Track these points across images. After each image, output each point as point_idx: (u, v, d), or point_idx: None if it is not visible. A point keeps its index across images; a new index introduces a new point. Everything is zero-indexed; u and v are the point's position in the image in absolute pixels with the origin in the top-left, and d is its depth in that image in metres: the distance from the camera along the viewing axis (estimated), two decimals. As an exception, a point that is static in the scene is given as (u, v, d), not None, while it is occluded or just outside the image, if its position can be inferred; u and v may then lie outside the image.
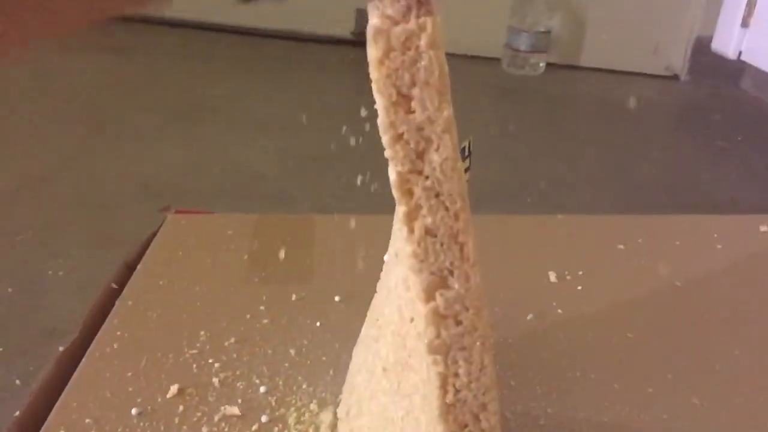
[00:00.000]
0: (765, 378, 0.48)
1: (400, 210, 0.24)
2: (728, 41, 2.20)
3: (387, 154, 0.23)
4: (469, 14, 2.28)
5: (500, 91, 2.07)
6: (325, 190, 1.22)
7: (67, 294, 0.82)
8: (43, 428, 0.40)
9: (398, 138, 0.23)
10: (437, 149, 0.23)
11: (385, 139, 0.23)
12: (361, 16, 2.24)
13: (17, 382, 0.64)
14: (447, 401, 0.26)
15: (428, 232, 0.24)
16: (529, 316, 0.54)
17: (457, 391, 0.26)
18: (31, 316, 0.77)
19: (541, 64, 2.27)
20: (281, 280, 0.57)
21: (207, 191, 1.18)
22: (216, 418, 0.42)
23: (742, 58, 2.17)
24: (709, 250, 0.64)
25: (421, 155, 0.23)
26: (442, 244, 0.24)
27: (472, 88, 2.04)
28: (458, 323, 0.25)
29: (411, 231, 0.24)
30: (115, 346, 0.47)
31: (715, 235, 0.66)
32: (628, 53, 2.35)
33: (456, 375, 0.26)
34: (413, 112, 0.22)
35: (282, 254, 0.59)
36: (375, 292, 0.46)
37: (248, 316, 0.52)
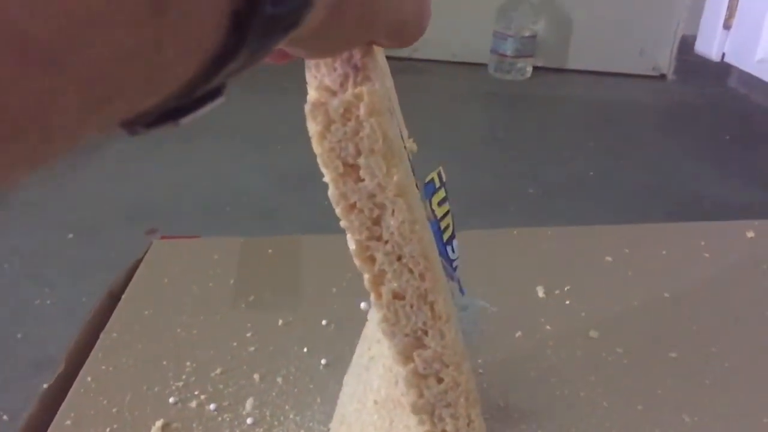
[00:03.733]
0: (756, 392, 0.48)
1: (365, 278, 0.24)
2: (711, 43, 2.21)
3: (342, 224, 0.23)
4: (454, 20, 2.28)
5: (487, 97, 2.08)
6: (315, 208, 1.22)
7: (55, 323, 0.81)
8: (26, 470, 0.40)
9: (351, 208, 0.23)
10: (392, 214, 0.22)
11: (338, 211, 0.23)
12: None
13: (5, 417, 0.63)
14: None
15: (396, 296, 0.24)
16: (518, 333, 0.53)
17: None
18: (19, 347, 0.77)
19: (527, 69, 2.27)
20: (268, 305, 0.57)
21: (194, 212, 1.18)
22: (202, 454, 0.41)
23: (726, 59, 2.18)
24: (697, 258, 0.64)
25: (377, 221, 0.23)
26: (411, 306, 0.24)
27: (458, 94, 2.04)
28: (439, 381, 0.25)
29: (378, 297, 0.24)
30: (100, 380, 0.47)
31: (703, 243, 0.66)
32: (615, 54, 2.36)
33: None
34: (363, 180, 0.22)
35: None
36: (362, 314, 0.46)
37: (235, 343, 0.51)
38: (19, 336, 0.79)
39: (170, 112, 0.16)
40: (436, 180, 0.34)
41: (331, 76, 0.22)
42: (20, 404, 0.45)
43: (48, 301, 0.86)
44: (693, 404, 0.46)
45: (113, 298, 0.58)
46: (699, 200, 1.39)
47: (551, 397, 0.47)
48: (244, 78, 0.17)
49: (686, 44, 2.33)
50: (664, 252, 0.65)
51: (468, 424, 0.25)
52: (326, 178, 0.22)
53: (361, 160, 0.22)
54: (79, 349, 0.51)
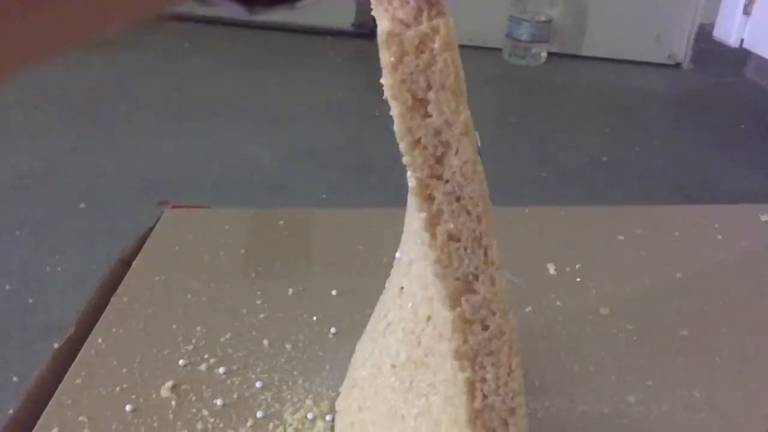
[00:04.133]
0: (764, 372, 0.47)
1: (421, 216, 0.23)
2: (730, 29, 2.19)
3: (405, 160, 0.23)
4: (469, 4, 2.26)
5: (501, 81, 2.06)
6: (324, 183, 1.22)
7: (66, 290, 0.81)
8: (36, 426, 0.40)
9: (416, 143, 0.22)
10: (456, 153, 0.22)
11: (403, 145, 0.22)
12: (361, 8, 2.23)
13: (15, 379, 0.64)
14: (475, 407, 0.25)
15: (451, 237, 0.24)
16: (528, 309, 0.53)
17: (485, 397, 0.25)
18: (29, 313, 0.77)
19: (542, 54, 2.26)
20: (278, 275, 0.57)
21: (206, 186, 1.18)
22: (210, 414, 0.41)
23: (744, 45, 2.16)
24: (710, 240, 0.64)
25: (440, 160, 0.23)
26: (465, 249, 0.24)
27: (473, 79, 2.02)
28: (485, 328, 0.25)
29: (433, 237, 0.24)
30: (110, 342, 0.47)
31: (716, 225, 0.66)
32: (630, 42, 2.34)
33: (484, 380, 0.25)
34: (430, 116, 0.22)
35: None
36: (372, 285, 0.46)
37: (244, 311, 0.52)
38: (30, 302, 0.79)
39: None
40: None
41: (404, 9, 0.22)
42: (29, 367, 0.45)
43: (59, 269, 0.87)
44: (703, 381, 0.46)
45: (124, 265, 0.58)
46: (713, 188, 1.38)
47: (560, 371, 0.47)
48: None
49: (703, 33, 2.30)
50: (676, 233, 0.65)
51: (508, 374, 0.25)
52: (393, 112, 0.22)
53: (431, 95, 0.21)
54: (90, 313, 0.51)
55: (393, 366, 0.35)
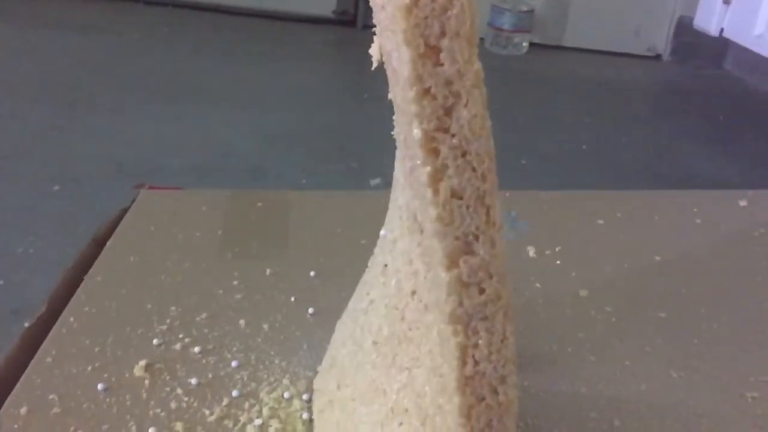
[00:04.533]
0: (743, 351, 0.47)
1: (425, 170, 0.22)
2: (710, 18, 2.20)
3: (412, 109, 0.22)
4: (451, -7, 2.26)
5: (484, 71, 2.06)
6: (304, 169, 1.21)
7: (37, 272, 0.80)
8: (5, 405, 0.39)
9: (425, 93, 0.21)
10: (466, 105, 0.21)
11: (411, 95, 0.21)
12: (343, -5, 2.21)
13: (-16, 360, 0.62)
14: (465, 373, 0.25)
15: (454, 194, 0.23)
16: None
17: (476, 363, 0.25)
18: None
19: (524, 44, 2.26)
20: (256, 256, 0.56)
21: (184, 170, 1.17)
22: (185, 393, 0.41)
23: (724, 34, 2.17)
24: (689, 224, 0.64)
25: (449, 111, 0.22)
26: (468, 207, 0.23)
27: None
28: (481, 291, 0.24)
29: (436, 193, 0.23)
30: (82, 321, 0.46)
31: (695, 210, 0.66)
32: (611, 33, 2.35)
33: (476, 346, 0.24)
34: (442, 64, 0.21)
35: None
36: (350, 267, 0.45)
37: (221, 291, 0.51)
38: (0, 283, 0.78)
39: None
40: None
41: None
42: (1, 347, 0.44)
43: (31, 250, 0.85)
44: (680, 361, 0.46)
45: (98, 245, 0.57)
46: (691, 177, 1.39)
47: (539, 351, 0.47)
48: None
49: (683, 25, 2.32)
50: (656, 217, 0.65)
51: (502, 341, 0.24)
52: (402, 58, 0.21)
53: (445, 42, 0.20)
54: (62, 293, 0.50)
55: (375, 343, 0.34)
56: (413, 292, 0.29)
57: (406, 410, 0.29)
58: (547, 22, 2.33)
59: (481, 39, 2.27)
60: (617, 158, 1.45)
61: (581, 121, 1.67)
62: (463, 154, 0.22)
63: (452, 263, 0.23)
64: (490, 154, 0.22)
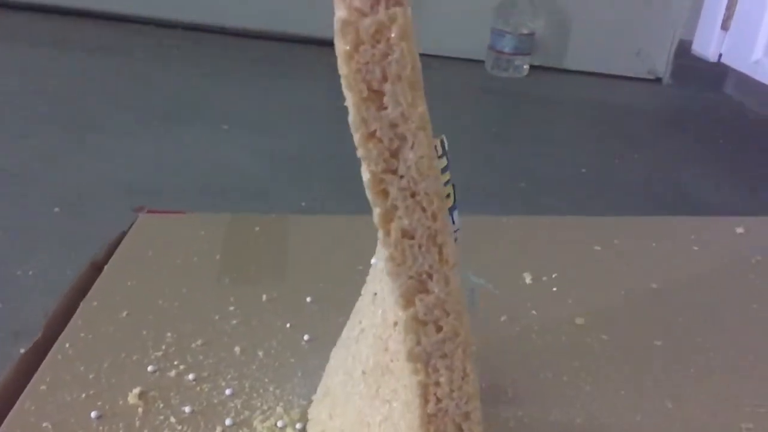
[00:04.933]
0: (739, 381, 0.47)
1: (375, 212, 0.23)
2: (708, 43, 2.22)
3: (359, 153, 0.22)
4: (452, 16, 2.27)
5: (483, 93, 2.07)
6: (305, 192, 1.21)
7: (36, 295, 0.80)
8: (-2, 432, 0.39)
9: (371, 136, 0.22)
10: (412, 147, 0.22)
11: (357, 138, 0.22)
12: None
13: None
14: (428, 411, 0.25)
15: (405, 234, 0.23)
16: (503, 318, 0.53)
17: (438, 401, 0.25)
18: (-2, 317, 0.76)
19: (524, 67, 2.27)
20: (253, 281, 0.56)
21: (185, 192, 1.17)
22: (178, 422, 0.41)
23: (722, 60, 2.19)
24: (686, 251, 0.64)
25: (395, 153, 0.22)
26: (420, 247, 0.23)
27: (455, 90, 2.04)
28: (439, 329, 0.24)
29: (387, 234, 0.23)
30: (78, 347, 0.46)
31: (692, 237, 0.66)
32: (612, 56, 2.36)
33: (437, 384, 0.25)
34: (385, 108, 0.21)
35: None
36: (347, 293, 0.45)
37: (217, 317, 0.51)
38: (-1, 306, 0.78)
39: None
40: (439, 147, 0.33)
41: None
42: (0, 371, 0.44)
43: (30, 272, 0.85)
44: (676, 391, 0.46)
45: (96, 269, 0.57)
46: (690, 201, 1.39)
47: (534, 380, 0.47)
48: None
49: (683, 49, 2.33)
50: (653, 244, 0.65)
51: (462, 378, 0.24)
52: (348, 102, 0.21)
53: (387, 86, 0.21)
54: (59, 317, 0.50)
55: (363, 372, 0.34)
56: (395, 324, 0.30)
57: None
58: (548, 45, 2.34)
59: (482, 62, 2.28)
60: (617, 181, 1.45)
61: (581, 144, 1.67)
62: (412, 195, 0.22)
63: (408, 302, 0.23)
64: (439, 194, 0.23)
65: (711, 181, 1.51)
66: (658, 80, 2.37)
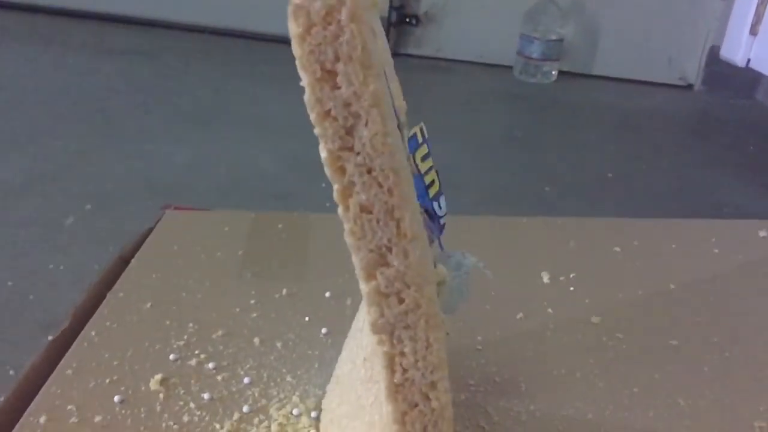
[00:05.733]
0: (753, 381, 0.47)
1: (335, 188, 0.24)
2: (737, 49, 2.19)
3: (316, 131, 0.23)
4: (481, 21, 2.28)
5: (511, 98, 2.07)
6: (328, 192, 1.23)
7: (67, 288, 0.82)
8: (25, 415, 0.40)
9: (326, 115, 0.22)
10: (366, 124, 0.22)
11: (313, 117, 0.22)
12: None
13: (11, 372, 0.64)
14: (395, 381, 0.26)
15: (363, 209, 0.24)
16: (519, 315, 0.53)
17: (404, 371, 0.25)
18: (29, 309, 0.78)
19: (553, 72, 2.26)
20: (274, 276, 0.57)
21: (211, 192, 1.19)
22: (197, 407, 0.42)
23: (751, 65, 2.16)
24: (706, 253, 0.64)
25: (350, 131, 0.23)
26: (378, 221, 0.24)
27: (482, 95, 2.04)
28: (401, 301, 0.25)
29: (346, 209, 0.24)
30: (103, 336, 0.48)
31: (713, 240, 0.66)
32: (642, 62, 2.34)
33: (402, 354, 0.25)
34: (339, 87, 0.22)
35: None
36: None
37: (238, 309, 0.52)
38: (30, 298, 0.80)
39: None
40: (419, 135, 0.34)
41: None
42: (26, 360, 0.46)
43: (61, 267, 0.87)
44: (689, 389, 0.46)
45: (123, 262, 0.59)
46: (718, 207, 1.37)
47: (547, 376, 0.47)
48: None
49: (715, 54, 2.31)
50: (673, 246, 0.65)
51: (426, 348, 0.25)
52: (303, 83, 0.22)
53: (339, 66, 0.22)
54: (86, 307, 0.52)
55: (364, 359, 0.35)
56: None
57: (374, 424, 0.30)
58: (577, 51, 2.33)
59: (510, 67, 2.28)
60: (643, 187, 1.45)
61: (608, 150, 1.66)
62: (369, 171, 0.23)
63: (369, 275, 0.24)
64: (396, 170, 0.23)
65: (741, 188, 1.49)
66: (690, 86, 2.35)
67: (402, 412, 0.26)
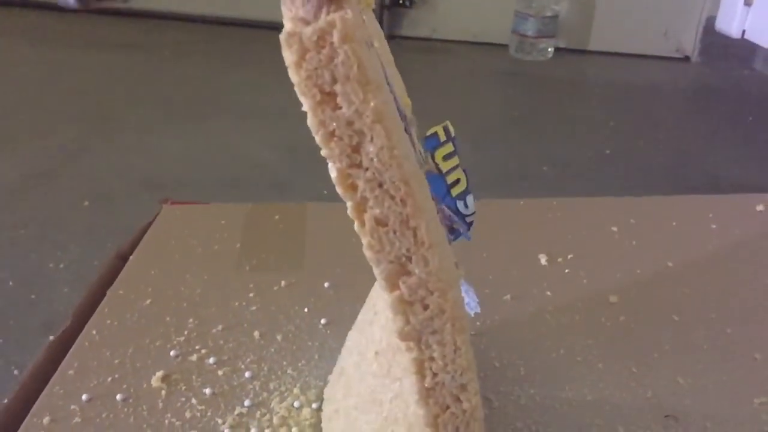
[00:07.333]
0: (752, 357, 0.47)
1: (348, 205, 0.24)
2: (731, 20, 2.18)
3: (323, 153, 0.23)
4: (475, 0, 2.26)
5: (507, 77, 2.06)
6: (326, 180, 1.23)
7: (67, 286, 0.83)
8: (29, 415, 0.41)
9: (330, 136, 0.23)
10: (371, 140, 0.23)
11: (318, 139, 0.23)
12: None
13: (15, 372, 0.65)
14: (426, 385, 0.26)
15: (378, 222, 0.24)
16: (518, 299, 0.54)
17: (434, 375, 0.26)
18: (30, 308, 0.78)
19: (549, 49, 2.25)
20: (272, 268, 0.57)
21: (208, 183, 1.19)
22: (199, 403, 0.42)
23: (746, 36, 2.15)
24: (704, 230, 0.64)
25: (356, 149, 0.23)
26: (394, 232, 0.24)
27: (478, 74, 2.03)
28: (425, 307, 0.25)
29: (362, 224, 0.24)
30: (104, 334, 0.48)
31: (710, 215, 0.66)
32: (638, 36, 2.33)
33: (431, 359, 0.26)
34: (340, 107, 0.22)
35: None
36: (364, 278, 0.47)
37: (237, 303, 0.52)
38: (32, 297, 0.81)
39: None
40: (441, 134, 0.34)
41: (305, 7, 0.22)
42: (29, 360, 0.46)
43: (61, 265, 0.88)
44: (689, 368, 0.46)
45: (122, 260, 0.59)
46: (717, 181, 1.37)
47: (547, 359, 0.47)
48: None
49: (712, 26, 2.29)
50: (673, 223, 0.65)
51: (455, 351, 0.25)
52: (305, 107, 0.22)
53: (338, 87, 0.22)
54: (86, 306, 0.52)
55: (376, 353, 0.35)
56: None
57: (397, 419, 0.30)
58: (572, 27, 2.32)
59: (506, 46, 2.27)
60: (642, 162, 1.44)
61: (606, 125, 1.66)
62: (380, 185, 0.23)
63: (392, 285, 0.24)
64: (406, 180, 0.23)
65: (739, 160, 1.49)
66: (686, 59, 2.34)
67: (434, 415, 0.26)
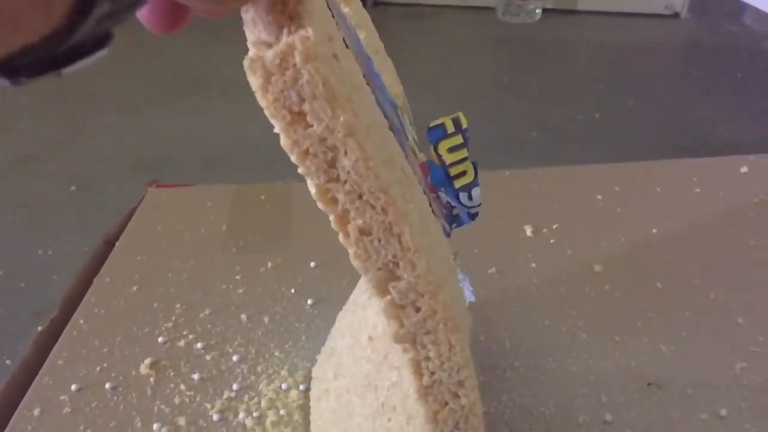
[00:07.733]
0: (733, 323, 0.48)
1: (331, 218, 0.24)
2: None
3: (300, 171, 0.23)
4: (460, -36, 2.23)
5: (495, 41, 2.04)
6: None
7: (56, 274, 0.83)
8: (19, 407, 0.41)
9: (305, 154, 0.23)
10: (345, 154, 0.23)
11: (293, 158, 0.23)
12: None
13: (8, 362, 0.65)
14: (424, 384, 0.27)
15: (362, 232, 0.24)
16: (503, 271, 0.54)
17: (431, 373, 0.27)
18: (21, 297, 0.79)
19: (537, 11, 2.23)
20: (258, 249, 0.58)
21: (197, 163, 1.19)
22: (188, 389, 0.43)
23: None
24: (688, 194, 0.64)
25: (332, 164, 0.23)
26: (379, 240, 0.24)
27: (465, 39, 2.01)
28: (417, 310, 0.26)
29: (347, 235, 0.24)
30: (92, 323, 0.48)
31: (695, 179, 0.66)
32: (627, -7, 2.30)
33: (428, 358, 0.27)
34: (311, 125, 0.22)
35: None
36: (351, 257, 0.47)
37: (224, 286, 0.53)
38: (21, 285, 0.81)
39: (52, 62, 0.16)
40: (449, 125, 0.34)
41: (267, 29, 0.22)
42: (21, 349, 0.46)
43: (50, 252, 0.88)
44: (671, 335, 0.47)
45: (109, 246, 0.59)
46: (707, 140, 1.37)
47: (531, 330, 0.48)
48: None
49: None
50: (657, 189, 0.65)
51: (449, 349, 0.26)
52: (277, 129, 0.23)
53: (306, 107, 0.22)
54: (74, 294, 0.53)
55: (370, 338, 0.36)
56: None
57: (395, 408, 0.31)
58: (560, -13, 2.29)
59: (493, 9, 2.25)
60: (631, 124, 1.44)
61: (595, 88, 1.65)
62: (359, 196, 0.24)
63: (383, 291, 0.25)
64: (384, 189, 0.24)
65: (730, 117, 1.48)
66: (676, 15, 2.32)
67: (434, 411, 0.27)
